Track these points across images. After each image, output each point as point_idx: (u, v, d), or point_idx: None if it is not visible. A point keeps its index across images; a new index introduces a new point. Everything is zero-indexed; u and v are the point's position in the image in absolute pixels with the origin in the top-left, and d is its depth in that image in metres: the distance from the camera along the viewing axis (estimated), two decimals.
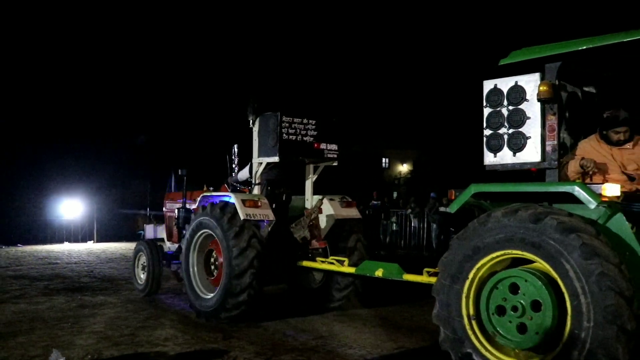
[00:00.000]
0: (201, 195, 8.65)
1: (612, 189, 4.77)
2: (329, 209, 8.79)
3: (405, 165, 48.00)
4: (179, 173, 9.70)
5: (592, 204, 4.73)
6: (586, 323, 4.37)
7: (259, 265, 7.64)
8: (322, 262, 8.18)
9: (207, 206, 8.23)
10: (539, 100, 5.23)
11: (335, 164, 8.89)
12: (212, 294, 7.98)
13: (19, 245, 21.53)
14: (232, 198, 7.99)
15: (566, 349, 4.47)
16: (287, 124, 8.32)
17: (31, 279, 11.98)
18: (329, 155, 8.74)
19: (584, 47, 4.96)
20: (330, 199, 8.87)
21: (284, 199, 8.91)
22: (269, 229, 8.19)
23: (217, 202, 8.18)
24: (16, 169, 26.39)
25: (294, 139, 8.37)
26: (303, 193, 9.02)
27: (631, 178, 5.20)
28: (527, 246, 4.77)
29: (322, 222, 8.80)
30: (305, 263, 8.36)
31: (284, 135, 8.27)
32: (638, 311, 4.36)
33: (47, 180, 25.97)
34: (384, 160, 48.55)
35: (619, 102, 5.76)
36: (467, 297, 5.12)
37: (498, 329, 4.96)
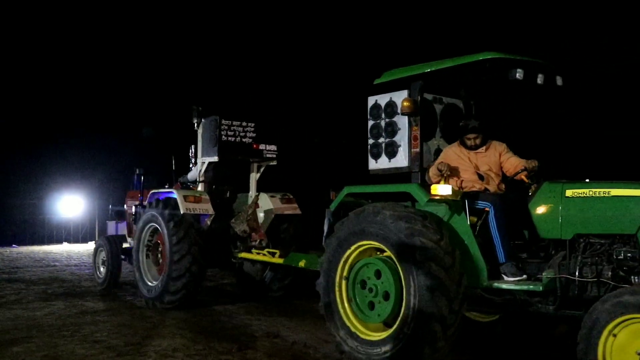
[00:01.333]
0: (150, 192, 9.99)
1: (442, 189, 5.97)
2: (268, 205, 10.08)
3: None
4: (136, 172, 11.06)
5: (423, 201, 6.03)
6: (413, 300, 5.59)
7: (197, 252, 9.00)
8: (258, 253, 9.47)
9: (154, 202, 9.57)
10: (401, 114, 6.40)
11: (274, 163, 10.17)
12: (157, 281, 9.32)
13: (14, 245, 21.53)
14: (175, 194, 9.30)
15: (400, 325, 5.70)
16: (226, 127, 9.63)
17: (28, 282, 11.87)
18: (268, 155, 10.02)
19: (428, 70, 6.16)
20: (272, 196, 10.17)
21: (227, 195, 10.22)
22: (209, 222, 9.51)
23: (163, 198, 9.51)
24: (11, 163, 25.97)
25: (232, 140, 9.67)
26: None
27: (480, 177, 6.36)
28: (374, 236, 6.01)
29: (262, 217, 10.06)
30: (242, 254, 9.70)
31: (223, 137, 9.58)
32: (464, 284, 5.54)
33: (45, 175, 25.53)
34: None
35: (474, 113, 6.93)
36: (343, 266, 6.35)
37: (356, 297, 6.25)
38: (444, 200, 6.04)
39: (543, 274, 5.55)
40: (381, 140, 6.73)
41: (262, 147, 9.98)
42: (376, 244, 6.08)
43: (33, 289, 11.03)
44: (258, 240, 9.91)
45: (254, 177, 10.40)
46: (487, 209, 5.99)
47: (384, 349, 5.81)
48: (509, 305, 5.87)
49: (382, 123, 6.73)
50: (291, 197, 10.33)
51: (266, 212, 10.10)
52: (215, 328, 7.81)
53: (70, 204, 23.91)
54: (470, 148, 6.50)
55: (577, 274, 5.37)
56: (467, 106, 7.32)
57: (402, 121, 6.57)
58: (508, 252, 5.79)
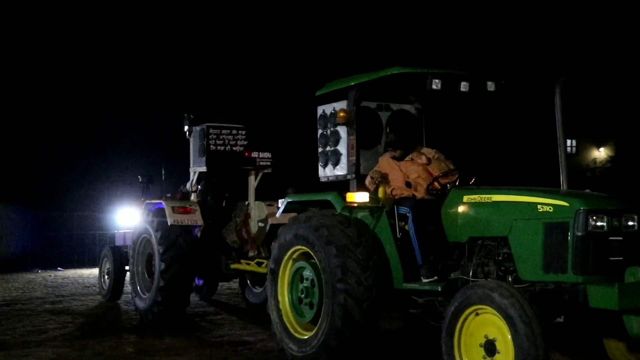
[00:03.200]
0: (145, 203, 11.90)
1: (359, 197, 7.34)
2: (264, 214, 11.70)
3: None
4: (139, 180, 13.05)
5: (339, 209, 7.45)
6: (326, 299, 7.10)
7: (184, 262, 10.69)
8: (247, 264, 11.18)
9: (146, 212, 11.48)
10: (337, 124, 7.89)
11: (268, 171, 11.83)
12: (149, 293, 11.17)
13: (59, 269, 21.28)
14: (163, 205, 11.15)
15: (322, 322, 7.22)
16: (214, 135, 11.34)
17: (74, 314, 11.73)
18: (261, 163, 11.69)
19: (352, 83, 7.63)
20: (269, 204, 11.72)
21: (224, 205, 11.98)
22: (199, 234, 11.30)
23: (154, 209, 11.38)
24: (59, 172, 27.65)
25: (222, 149, 11.39)
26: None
27: (407, 185, 7.69)
28: (303, 241, 7.48)
29: (258, 226, 11.73)
30: (234, 265, 11.39)
31: (212, 146, 11.31)
32: (376, 286, 6.96)
33: (99, 184, 26.36)
34: None
35: (396, 127, 8.30)
36: (284, 270, 7.88)
37: (293, 298, 7.77)
38: (368, 207, 7.52)
39: (452, 275, 6.96)
40: (327, 148, 8.24)
41: (254, 154, 11.70)
42: (305, 248, 7.63)
43: (80, 322, 10.98)
44: (254, 251, 11.61)
45: (252, 185, 12.07)
46: (407, 214, 7.43)
47: (311, 345, 7.38)
48: (429, 306, 7.27)
49: (328, 132, 8.26)
50: None
51: (262, 221, 11.76)
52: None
53: (128, 218, 24.62)
54: (395, 159, 7.92)
55: (470, 274, 6.74)
56: (418, 111, 8.77)
57: (343, 131, 7.99)
58: (424, 255, 7.12)
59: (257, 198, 11.97)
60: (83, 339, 9.43)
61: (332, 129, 8.10)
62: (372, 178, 7.68)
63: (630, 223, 6.06)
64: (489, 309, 5.79)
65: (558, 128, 6.92)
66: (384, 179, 7.71)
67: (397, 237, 7.35)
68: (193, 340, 9.24)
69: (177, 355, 8.43)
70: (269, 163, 11.75)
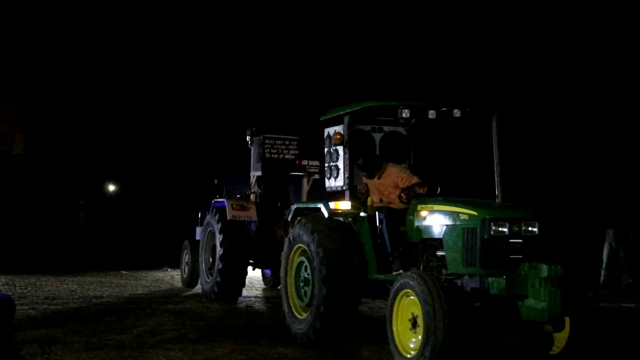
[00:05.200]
0: (212, 201, 14.70)
1: (342, 205, 9.67)
2: None
3: None
4: (215, 182, 15.87)
5: (326, 214, 9.76)
6: (314, 290, 9.49)
7: (238, 251, 13.42)
8: None
9: (213, 209, 14.28)
10: (333, 146, 10.25)
11: (316, 177, 14.33)
12: (212, 277, 14.00)
13: (167, 269, 22.51)
14: (225, 203, 13.90)
15: (312, 307, 9.61)
16: (269, 145, 14.00)
17: (193, 316, 12.07)
18: (310, 170, 14.24)
19: (341, 112, 9.94)
20: None
21: (279, 205, 14.58)
22: (254, 228, 14.00)
23: (218, 206, 14.15)
24: (186, 180, 31.83)
25: (275, 157, 14.03)
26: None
27: (400, 199, 9.87)
28: (302, 241, 9.86)
29: None
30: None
31: (267, 154, 13.97)
32: (354, 275, 9.24)
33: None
34: None
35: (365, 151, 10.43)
36: (291, 264, 10.30)
37: (294, 285, 10.20)
38: (351, 213, 9.85)
39: (411, 268, 9.19)
40: (332, 164, 10.60)
41: (304, 162, 14.29)
42: (303, 246, 10.05)
43: (197, 325, 11.18)
44: None
45: (305, 189, 14.70)
46: (382, 219, 9.70)
47: (305, 325, 9.80)
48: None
49: (332, 150, 10.62)
50: None
51: None
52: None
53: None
54: (368, 178, 9.96)
55: (421, 267, 8.95)
56: (407, 132, 10.99)
57: (341, 150, 10.25)
58: (392, 251, 9.42)
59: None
60: (197, 343, 9.63)
61: (333, 148, 10.44)
62: (359, 190, 9.92)
63: (531, 229, 8.11)
64: (412, 292, 8.04)
65: (494, 151, 9.05)
66: (367, 191, 9.94)
67: (375, 237, 9.62)
68: (310, 353, 9.38)
69: None
70: (317, 170, 14.23)
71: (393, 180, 9.85)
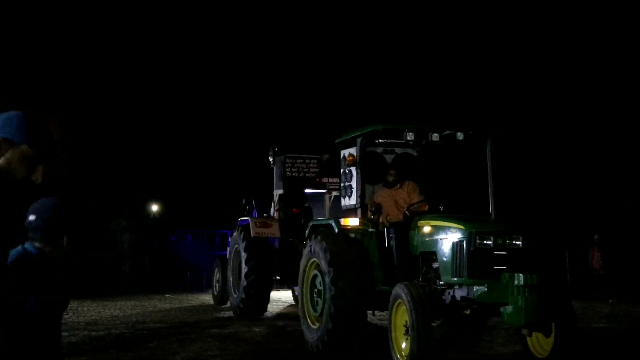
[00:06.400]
0: (238, 219, 15.88)
1: (351, 221, 10.78)
2: None
3: None
4: (243, 202, 17.05)
5: (336, 230, 10.82)
6: (326, 309, 10.54)
7: (263, 266, 14.54)
8: None
9: (238, 228, 15.46)
10: (347, 166, 11.34)
11: (335, 193, 15.41)
12: (238, 292, 15.14)
13: (166, 295, 22.39)
14: (249, 221, 15.06)
15: (321, 320, 10.70)
16: (290, 164, 15.15)
17: (239, 340, 12.18)
18: (330, 187, 15.33)
19: (352, 135, 11.04)
20: None
21: (302, 222, 15.69)
22: (277, 245, 15.13)
23: (243, 224, 15.33)
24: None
25: (296, 175, 15.17)
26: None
27: (405, 215, 10.88)
28: (315, 254, 10.97)
29: None
30: None
31: (288, 172, 15.12)
32: (359, 287, 10.32)
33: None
34: None
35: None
36: (308, 277, 11.43)
37: (309, 297, 11.30)
38: (360, 229, 10.91)
39: (413, 280, 10.23)
40: (347, 184, 11.69)
41: (325, 179, 15.40)
42: (317, 260, 11.13)
43: (242, 350, 11.22)
44: None
45: (327, 205, 15.80)
46: (390, 234, 10.77)
47: (316, 335, 10.86)
48: None
49: (347, 171, 11.70)
50: None
51: None
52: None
53: None
54: (390, 185, 11.13)
55: (420, 279, 9.99)
56: (418, 153, 12.04)
57: (354, 170, 11.40)
58: (399, 264, 10.47)
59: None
60: None
61: (347, 169, 11.53)
62: (369, 208, 10.98)
63: (515, 242, 9.11)
64: (402, 301, 9.10)
65: (489, 171, 10.08)
66: (377, 209, 11.01)
67: (382, 251, 10.68)
68: None
69: None
70: (337, 187, 15.30)
71: (409, 193, 10.99)
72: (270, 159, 15.78)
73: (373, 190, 11.69)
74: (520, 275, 8.55)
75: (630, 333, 13.63)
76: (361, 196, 11.00)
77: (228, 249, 18.16)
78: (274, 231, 15.03)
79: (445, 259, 9.38)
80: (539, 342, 9.51)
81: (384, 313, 11.41)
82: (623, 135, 27.47)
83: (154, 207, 37.47)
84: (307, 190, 15.82)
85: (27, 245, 3.15)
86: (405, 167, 11.69)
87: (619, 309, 17.76)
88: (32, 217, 3.14)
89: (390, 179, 11.18)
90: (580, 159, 27.13)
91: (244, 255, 14.69)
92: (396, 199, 11.10)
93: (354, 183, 11.29)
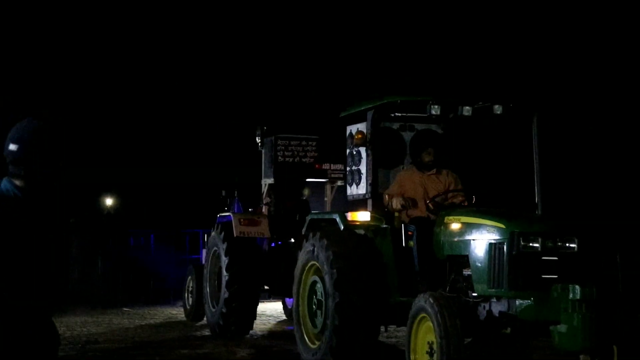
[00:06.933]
0: (218, 216, 15.66)
1: (361, 216, 10.55)
2: None
3: None
4: (222, 195, 16.79)
5: (341, 227, 10.62)
6: (329, 322, 10.36)
7: (248, 276, 14.29)
8: None
9: (217, 226, 15.23)
10: (354, 146, 11.13)
11: (340, 183, 15.20)
12: (217, 306, 14.88)
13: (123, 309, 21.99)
14: (231, 217, 14.84)
15: (323, 337, 10.54)
16: (282, 147, 14.91)
17: None
18: (333, 176, 15.09)
19: (363, 108, 10.82)
20: None
21: (297, 219, 15.49)
22: (267, 246, 14.92)
23: (223, 221, 15.10)
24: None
25: (290, 160, 14.93)
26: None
27: (428, 208, 10.74)
28: (314, 257, 10.79)
29: None
30: None
31: (280, 157, 14.89)
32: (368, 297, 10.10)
33: None
34: None
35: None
36: (305, 282, 11.24)
37: (305, 308, 11.09)
38: (372, 225, 10.72)
39: (438, 290, 10.05)
40: (353, 168, 11.47)
41: (325, 166, 15.16)
42: (317, 264, 10.94)
43: None
44: None
45: (328, 198, 15.57)
46: (410, 232, 10.59)
47: (320, 352, 10.67)
48: None
49: (354, 152, 11.49)
50: None
51: None
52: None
53: None
54: (424, 166, 10.71)
55: (447, 289, 9.82)
56: (444, 130, 11.83)
57: (364, 151, 11.20)
58: (421, 269, 10.28)
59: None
60: None
61: (355, 149, 11.29)
62: (401, 202, 10.61)
63: (569, 245, 8.93)
64: (427, 316, 8.95)
65: (535, 156, 9.91)
66: (409, 204, 10.68)
67: (400, 253, 10.50)
68: None
69: None
70: (341, 175, 15.08)
71: (448, 185, 10.76)
72: (258, 140, 15.50)
73: (389, 175, 11.49)
74: (577, 287, 8.36)
75: None
76: (373, 184, 10.82)
77: (204, 252, 17.90)
78: (263, 230, 14.78)
79: (479, 265, 9.22)
80: None
81: (399, 330, 11.28)
82: None
83: (108, 202, 37.12)
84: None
85: (4, 182, 3.15)
86: (426, 147, 11.38)
87: None
88: (12, 147, 3.15)
89: (427, 159, 10.81)
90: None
91: (224, 259, 14.41)
92: (428, 188, 10.80)
93: (363, 167, 11.07)
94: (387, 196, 10.83)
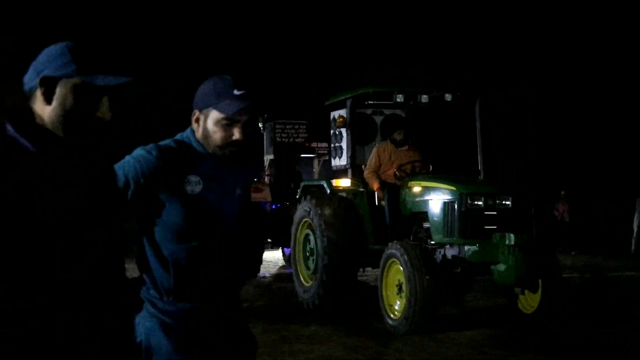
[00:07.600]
0: None
1: (343, 182, 10.79)
2: None
3: None
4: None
5: (328, 191, 10.86)
6: (320, 262, 10.62)
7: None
8: None
9: None
10: (337, 128, 11.34)
11: (326, 158, 15.44)
12: None
13: None
14: None
15: (315, 276, 10.78)
16: (279, 129, 15.16)
17: None
18: (320, 152, 15.37)
19: (342, 97, 11.02)
20: None
21: (292, 186, 15.74)
22: (269, 208, 15.19)
23: None
24: None
25: (286, 140, 15.19)
26: None
27: (395, 176, 10.95)
28: (307, 214, 11.02)
29: None
30: None
31: (278, 138, 15.14)
32: (346, 244, 10.38)
33: None
34: None
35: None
36: (300, 236, 11.49)
37: (301, 256, 11.37)
38: (352, 189, 10.95)
39: (404, 239, 10.30)
40: (337, 144, 11.71)
41: (314, 144, 15.43)
42: (309, 220, 11.18)
43: None
44: None
45: (316, 169, 15.86)
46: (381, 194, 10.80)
47: (310, 292, 10.96)
48: None
49: (337, 132, 11.72)
50: None
51: None
52: None
53: None
54: (397, 144, 10.91)
55: (411, 239, 10.06)
56: (406, 114, 12.05)
57: (344, 132, 11.44)
58: (391, 223, 10.52)
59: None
60: None
61: (337, 130, 11.54)
62: (377, 187, 10.73)
63: (505, 202, 9.16)
64: (397, 261, 9.18)
65: (477, 132, 10.11)
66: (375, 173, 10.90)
67: (373, 211, 10.72)
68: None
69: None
70: (326, 151, 15.35)
71: (411, 156, 10.82)
72: (260, 125, 15.78)
73: (364, 150, 11.71)
74: (511, 235, 8.58)
75: (591, 282, 14.21)
76: (351, 157, 11.01)
77: None
78: (266, 195, 15.08)
79: (436, 219, 9.42)
80: (526, 298, 9.60)
81: (373, 271, 11.55)
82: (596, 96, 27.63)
83: None
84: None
85: None
86: (393, 128, 11.58)
87: (580, 260, 18.04)
88: None
89: (399, 137, 10.88)
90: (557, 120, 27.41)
91: None
92: (397, 160, 10.85)
93: (344, 144, 11.26)
94: (366, 172, 10.92)
